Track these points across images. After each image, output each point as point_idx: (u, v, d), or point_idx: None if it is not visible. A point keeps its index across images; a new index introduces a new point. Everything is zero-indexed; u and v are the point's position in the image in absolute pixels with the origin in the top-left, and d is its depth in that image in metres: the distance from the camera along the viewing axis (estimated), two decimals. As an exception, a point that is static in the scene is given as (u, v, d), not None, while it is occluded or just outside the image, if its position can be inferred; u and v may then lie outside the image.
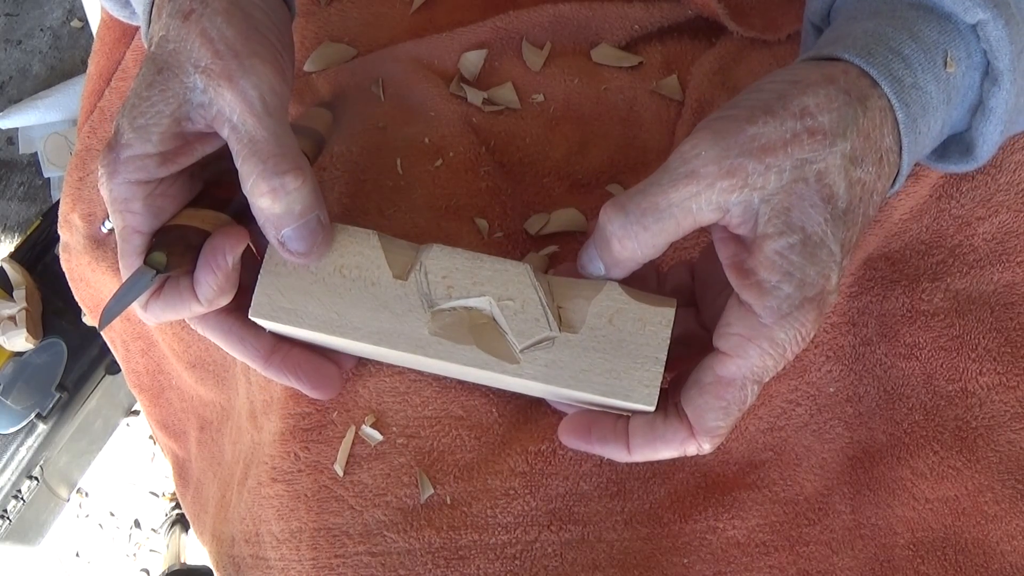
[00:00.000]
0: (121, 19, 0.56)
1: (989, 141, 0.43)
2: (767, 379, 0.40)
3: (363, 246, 0.43)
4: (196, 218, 0.42)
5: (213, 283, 0.42)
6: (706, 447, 0.41)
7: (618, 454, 0.43)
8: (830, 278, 0.38)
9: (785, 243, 0.37)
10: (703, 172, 0.37)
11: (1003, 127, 0.42)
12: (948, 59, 0.39)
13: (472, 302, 0.43)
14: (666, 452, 0.41)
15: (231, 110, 0.39)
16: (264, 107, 0.40)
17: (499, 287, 0.42)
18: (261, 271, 0.43)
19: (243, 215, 0.43)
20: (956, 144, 0.45)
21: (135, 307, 0.43)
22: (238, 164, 0.40)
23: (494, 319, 0.43)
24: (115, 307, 0.41)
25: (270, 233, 0.42)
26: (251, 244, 0.44)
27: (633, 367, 0.41)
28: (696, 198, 0.38)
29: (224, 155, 0.41)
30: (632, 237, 0.39)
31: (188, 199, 0.43)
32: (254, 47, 0.40)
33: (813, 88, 0.38)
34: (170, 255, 0.40)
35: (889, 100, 0.39)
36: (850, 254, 0.39)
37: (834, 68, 0.39)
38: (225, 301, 0.43)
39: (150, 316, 0.43)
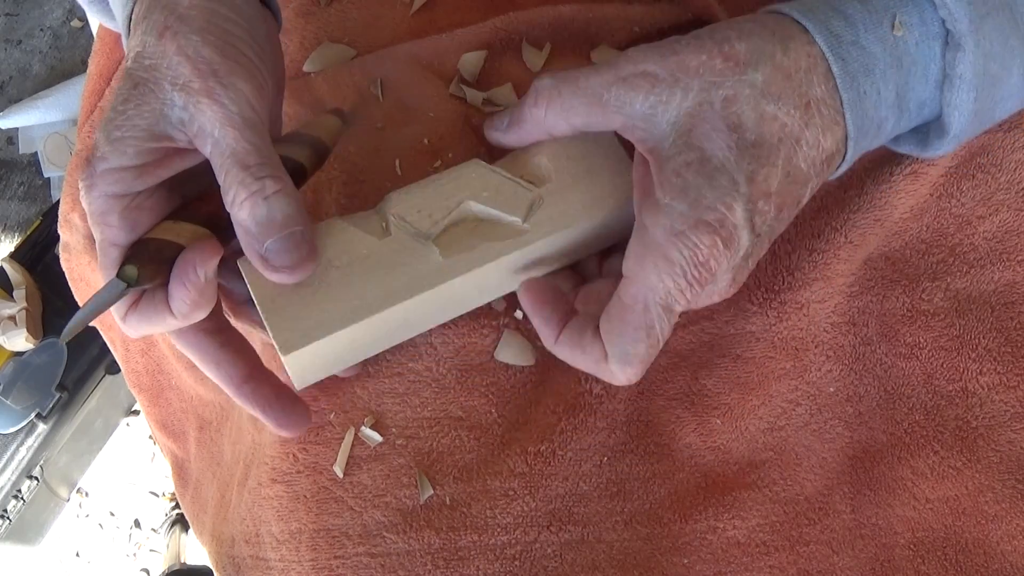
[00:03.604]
0: (111, 28, 0.56)
1: (962, 111, 0.41)
2: (677, 308, 0.40)
3: (334, 233, 0.44)
4: (172, 231, 0.42)
5: (186, 297, 0.41)
6: (619, 376, 0.41)
7: (547, 337, 0.43)
8: (732, 208, 0.38)
9: (682, 161, 0.38)
10: (622, 69, 0.40)
11: (975, 94, 0.41)
12: (896, 23, 0.40)
13: (456, 214, 0.44)
14: (583, 363, 0.42)
15: (212, 126, 0.39)
16: (244, 122, 0.40)
17: (468, 189, 0.44)
18: (262, 317, 0.43)
19: (226, 230, 0.42)
20: (936, 131, 0.44)
21: (116, 319, 0.43)
22: (220, 178, 0.40)
23: (484, 215, 0.44)
24: (81, 319, 0.40)
25: (253, 250, 0.41)
26: (244, 277, 0.43)
27: (612, 178, 0.45)
28: (607, 89, 0.40)
29: (207, 170, 0.41)
30: (545, 101, 0.41)
31: (165, 212, 0.43)
32: (231, 65, 0.40)
33: (740, 23, 0.40)
34: (142, 268, 0.40)
35: (821, 49, 0.39)
36: (770, 199, 0.39)
37: (768, 17, 0.40)
38: (201, 315, 0.43)
39: (129, 328, 0.43)
